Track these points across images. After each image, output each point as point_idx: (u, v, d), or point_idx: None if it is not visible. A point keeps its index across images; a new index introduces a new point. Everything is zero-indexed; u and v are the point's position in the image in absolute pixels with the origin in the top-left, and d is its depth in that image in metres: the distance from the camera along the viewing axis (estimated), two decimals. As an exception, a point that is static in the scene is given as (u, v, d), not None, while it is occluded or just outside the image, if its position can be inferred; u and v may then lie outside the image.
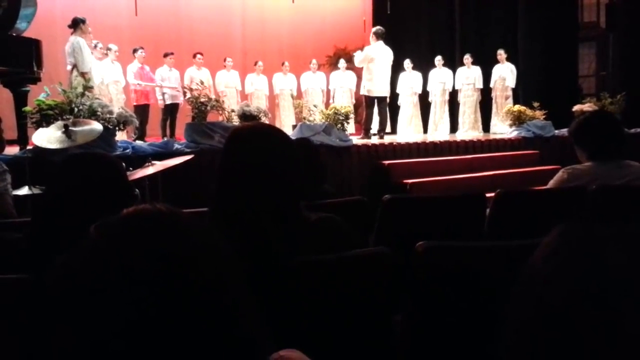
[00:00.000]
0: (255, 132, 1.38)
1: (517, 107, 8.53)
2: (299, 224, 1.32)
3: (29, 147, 4.86)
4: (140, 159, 4.57)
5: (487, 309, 1.03)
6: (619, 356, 0.53)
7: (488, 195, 2.42)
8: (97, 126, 4.12)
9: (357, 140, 7.32)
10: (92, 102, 5.27)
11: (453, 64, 10.54)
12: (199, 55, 9.12)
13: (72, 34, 6.63)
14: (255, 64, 10.07)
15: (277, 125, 8.97)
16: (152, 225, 0.57)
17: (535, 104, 8.40)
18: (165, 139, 7.30)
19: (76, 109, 5.03)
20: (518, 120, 8.23)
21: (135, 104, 8.40)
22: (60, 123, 3.99)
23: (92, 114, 5.08)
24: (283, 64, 10.31)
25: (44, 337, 0.53)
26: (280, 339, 0.67)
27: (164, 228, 0.57)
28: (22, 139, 5.31)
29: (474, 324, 1.31)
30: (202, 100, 6.07)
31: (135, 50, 8.55)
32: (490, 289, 1.11)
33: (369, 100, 7.97)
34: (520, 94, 9.81)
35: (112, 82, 8.20)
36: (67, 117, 4.78)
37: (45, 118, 4.83)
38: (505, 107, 9.04)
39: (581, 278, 0.56)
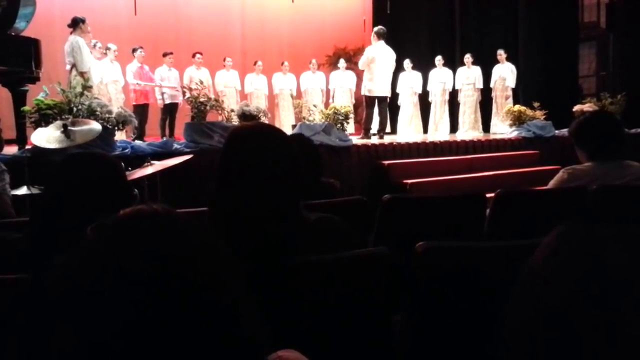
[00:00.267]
0: (254, 132, 1.38)
1: (518, 107, 8.54)
2: (299, 224, 1.32)
3: (27, 147, 4.86)
4: (139, 158, 4.56)
5: (486, 309, 1.03)
6: (619, 356, 0.52)
7: (488, 195, 2.42)
8: (96, 126, 4.12)
9: (357, 140, 7.32)
10: (91, 101, 5.27)
11: (453, 63, 10.54)
12: (198, 55, 9.12)
13: (71, 33, 6.63)
14: (255, 63, 10.07)
15: (277, 125, 8.97)
16: (149, 226, 0.57)
17: (536, 104, 8.40)
18: (165, 138, 7.30)
19: (75, 109, 5.03)
20: (518, 120, 8.24)
21: (134, 103, 8.40)
22: (59, 123, 3.99)
23: (91, 113, 5.08)
24: (283, 63, 10.31)
25: (43, 337, 0.53)
26: (280, 339, 0.66)
27: (160, 228, 0.57)
28: (21, 138, 5.32)
29: (473, 324, 1.31)
30: (202, 100, 6.07)
31: (134, 50, 8.55)
32: (490, 289, 1.11)
33: (370, 100, 7.97)
34: (520, 94, 9.81)
35: (111, 81, 8.20)
36: (66, 116, 4.78)
37: (44, 118, 4.83)
38: (505, 107, 9.05)
39: (581, 278, 0.56)
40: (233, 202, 1.29)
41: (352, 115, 7.34)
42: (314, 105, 7.12)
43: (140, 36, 9.87)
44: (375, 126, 8.17)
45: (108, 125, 5.20)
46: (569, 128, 2.69)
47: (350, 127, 7.76)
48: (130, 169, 3.81)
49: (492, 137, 8.56)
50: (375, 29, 8.15)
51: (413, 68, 10.32)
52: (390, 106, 9.06)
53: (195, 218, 0.63)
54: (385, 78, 7.88)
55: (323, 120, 6.63)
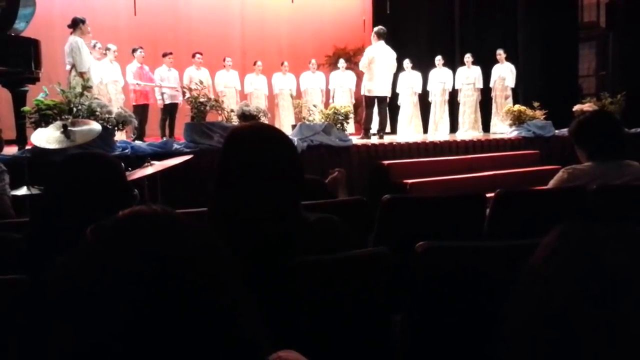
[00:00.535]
0: (253, 132, 1.37)
1: (517, 106, 8.53)
2: (298, 224, 1.32)
3: (27, 147, 4.86)
4: (139, 159, 4.56)
5: (486, 309, 1.03)
6: (619, 356, 0.52)
7: (488, 195, 2.42)
8: (96, 126, 4.12)
9: (356, 140, 7.32)
10: (91, 102, 5.27)
11: (453, 63, 10.54)
12: (198, 55, 9.12)
13: (71, 33, 6.63)
14: (255, 63, 10.07)
15: (277, 125, 8.97)
16: (148, 227, 0.57)
17: (536, 104, 8.40)
18: (165, 139, 7.30)
19: (75, 109, 5.03)
20: (518, 120, 8.24)
21: (134, 103, 8.40)
22: (59, 123, 3.99)
23: (91, 114, 5.08)
24: (282, 63, 10.31)
25: (42, 338, 0.53)
26: (279, 340, 0.66)
27: (159, 229, 0.57)
28: (21, 139, 5.32)
29: (473, 324, 1.31)
30: (202, 100, 6.07)
31: (134, 50, 8.55)
32: (490, 289, 1.11)
33: (369, 100, 7.96)
34: (520, 94, 9.81)
35: (111, 82, 8.20)
36: (66, 117, 4.78)
37: (44, 118, 4.83)
38: (505, 107, 9.05)
39: (581, 278, 0.56)
40: (232, 202, 1.28)
41: (352, 115, 7.34)
42: (314, 106, 7.12)
43: (140, 36, 9.87)
44: (375, 126, 8.17)
45: (108, 126, 5.20)
46: (569, 128, 2.69)
47: (350, 127, 7.76)
48: (130, 169, 3.81)
49: (492, 137, 8.57)
50: (375, 29, 8.15)
51: (413, 68, 10.32)
52: (390, 106, 9.06)
53: (194, 218, 0.63)
54: (384, 78, 7.87)
55: (323, 120, 6.63)
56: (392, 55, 7.92)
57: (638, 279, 0.54)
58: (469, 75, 9.96)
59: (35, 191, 3.90)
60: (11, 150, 5.17)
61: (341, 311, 1.33)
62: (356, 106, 9.83)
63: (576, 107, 8.33)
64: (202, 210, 1.71)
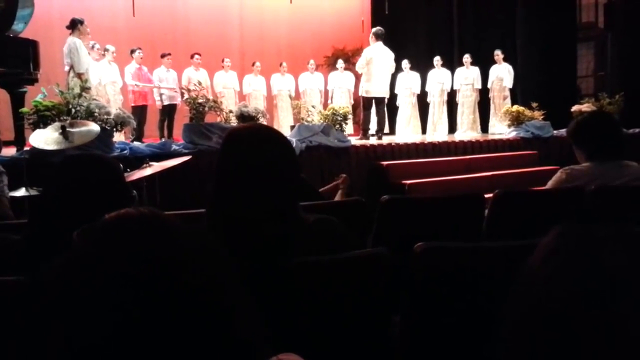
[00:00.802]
0: (251, 133, 1.37)
1: (516, 107, 8.54)
2: (297, 225, 1.32)
3: (26, 149, 4.86)
4: (138, 160, 4.56)
5: (485, 310, 1.03)
6: (619, 356, 0.52)
7: (486, 195, 2.42)
8: (94, 127, 4.11)
9: (355, 140, 7.32)
10: (90, 103, 5.26)
11: (451, 64, 10.55)
12: (196, 56, 9.11)
13: (70, 34, 6.62)
14: (253, 64, 10.06)
15: (275, 126, 8.98)
16: (135, 229, 0.57)
17: (534, 104, 8.41)
18: (163, 139, 7.29)
19: (73, 110, 5.03)
20: (516, 120, 8.24)
21: (132, 104, 8.39)
22: (57, 124, 3.99)
23: (90, 115, 5.07)
24: (281, 64, 10.30)
25: (39, 339, 0.53)
26: (279, 341, 0.66)
27: (147, 231, 0.57)
28: (19, 140, 5.31)
29: (472, 324, 1.31)
30: (200, 101, 6.07)
31: (132, 51, 8.54)
32: (489, 290, 1.11)
33: (367, 101, 7.96)
34: (518, 94, 9.82)
35: (109, 83, 8.19)
36: (65, 118, 4.77)
37: (42, 119, 4.82)
38: (503, 108, 9.05)
39: (580, 278, 0.56)
40: (231, 203, 1.28)
41: (350, 116, 7.34)
42: (313, 106, 7.12)
43: (139, 37, 9.86)
44: (373, 127, 8.17)
45: (106, 127, 5.20)
46: (568, 128, 2.69)
47: (348, 128, 7.76)
48: (128, 170, 3.81)
49: (490, 137, 8.57)
50: (374, 29, 8.14)
51: (411, 68, 10.32)
52: (389, 107, 9.06)
53: (190, 220, 0.63)
54: (382, 79, 7.86)
55: (322, 121, 6.63)
56: (390, 55, 7.91)
57: (637, 279, 0.54)
58: (468, 75, 9.97)
59: (33, 192, 3.90)
60: (10, 151, 5.16)
61: (340, 312, 1.33)
62: (355, 107, 9.83)
63: (574, 108, 8.35)
64: (200, 211, 1.71)
